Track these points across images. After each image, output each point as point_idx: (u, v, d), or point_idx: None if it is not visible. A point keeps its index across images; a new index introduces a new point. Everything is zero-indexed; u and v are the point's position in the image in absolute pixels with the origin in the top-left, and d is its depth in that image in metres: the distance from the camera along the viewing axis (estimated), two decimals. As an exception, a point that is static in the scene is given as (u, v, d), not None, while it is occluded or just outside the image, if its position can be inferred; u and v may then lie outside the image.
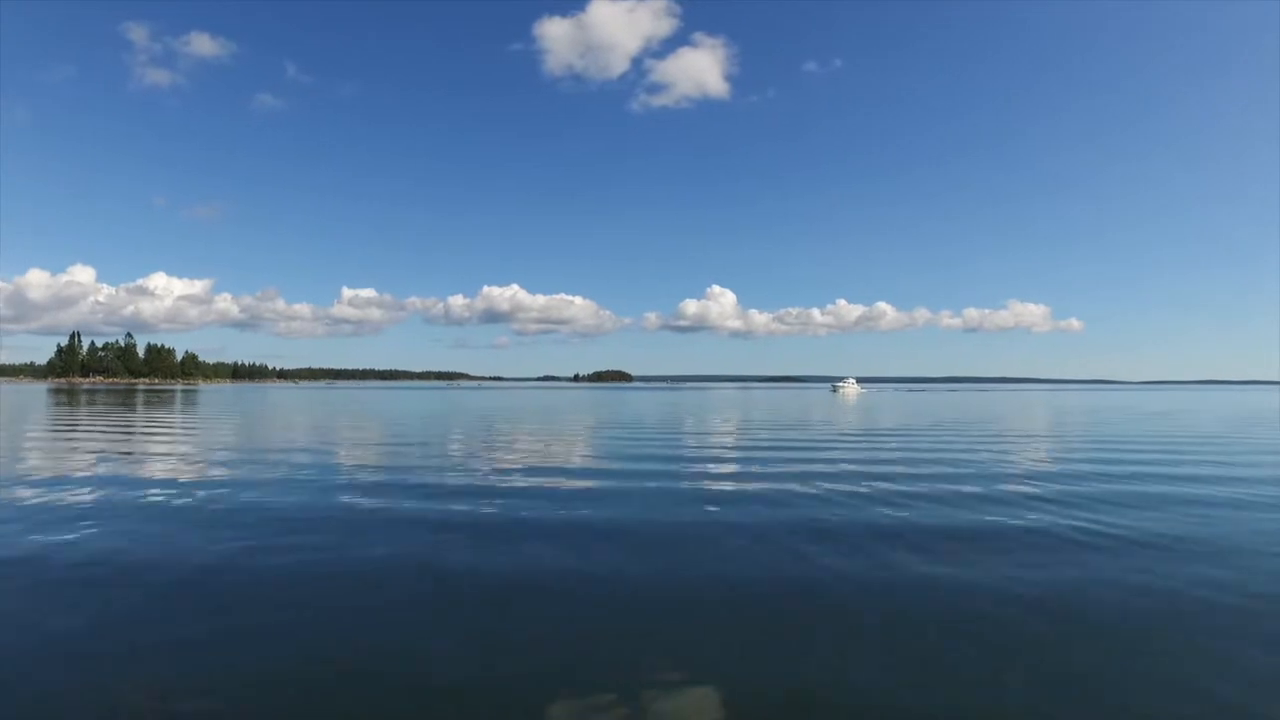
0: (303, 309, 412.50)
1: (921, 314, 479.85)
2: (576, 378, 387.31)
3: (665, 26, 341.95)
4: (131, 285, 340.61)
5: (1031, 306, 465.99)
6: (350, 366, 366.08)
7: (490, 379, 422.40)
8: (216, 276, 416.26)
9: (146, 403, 51.28)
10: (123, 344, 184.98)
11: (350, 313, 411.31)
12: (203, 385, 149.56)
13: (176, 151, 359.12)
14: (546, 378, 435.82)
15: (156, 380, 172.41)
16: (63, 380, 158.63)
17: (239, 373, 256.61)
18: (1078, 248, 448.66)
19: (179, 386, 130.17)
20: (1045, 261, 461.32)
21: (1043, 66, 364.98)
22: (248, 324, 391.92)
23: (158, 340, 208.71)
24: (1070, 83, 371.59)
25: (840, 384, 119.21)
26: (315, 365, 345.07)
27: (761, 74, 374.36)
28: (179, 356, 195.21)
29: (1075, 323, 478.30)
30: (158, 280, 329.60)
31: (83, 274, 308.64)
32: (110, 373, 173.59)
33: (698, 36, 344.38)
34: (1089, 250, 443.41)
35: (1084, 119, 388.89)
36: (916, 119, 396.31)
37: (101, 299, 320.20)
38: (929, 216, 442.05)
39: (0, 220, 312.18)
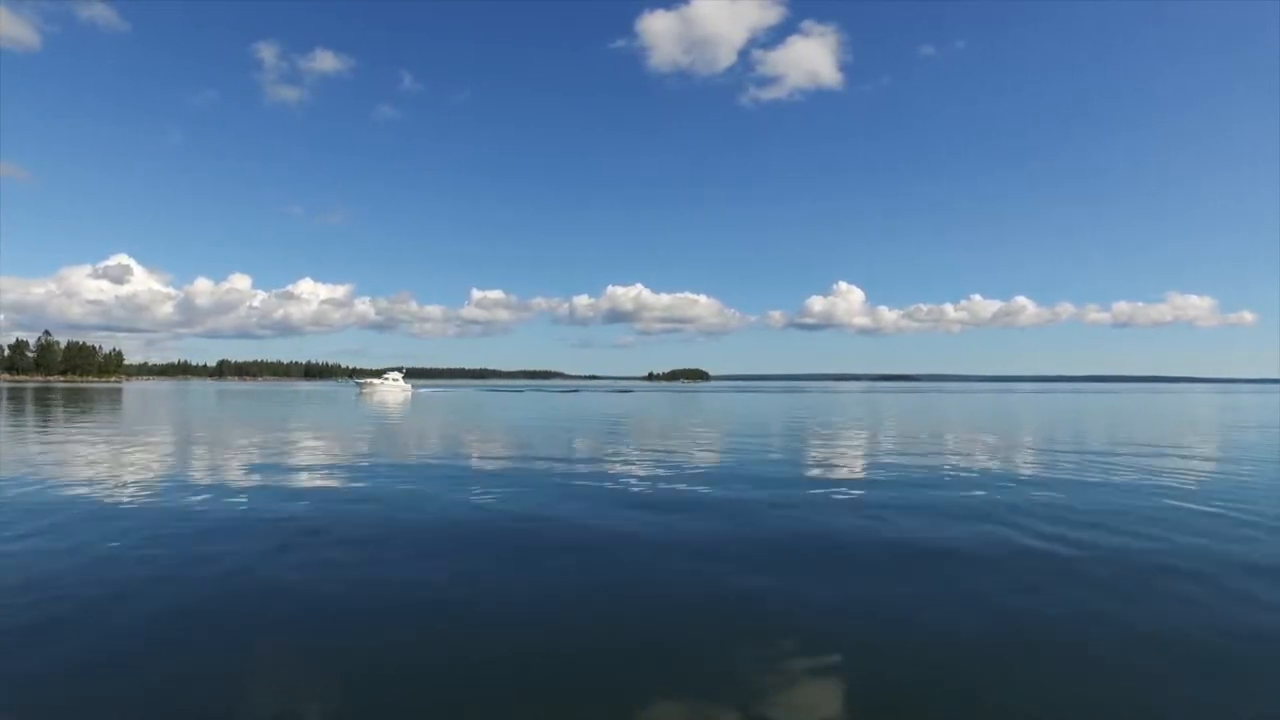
0: (434, 310, 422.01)
1: (1065, 308, 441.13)
2: (650, 376, 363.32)
3: (772, 15, 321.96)
4: (281, 291, 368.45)
5: (1194, 299, 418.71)
6: (454, 366, 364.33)
7: (586, 378, 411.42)
8: (356, 281, 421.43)
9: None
10: (42, 341, 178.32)
11: (479, 314, 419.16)
12: (125, 383, 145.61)
13: (308, 163, 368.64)
14: (650, 376, 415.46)
15: (72, 378, 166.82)
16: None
17: (310, 371, 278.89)
18: (1254, 232, 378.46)
19: (99, 384, 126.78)
20: (1211, 250, 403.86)
21: (1206, 41, 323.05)
22: (384, 325, 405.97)
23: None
24: (1235, 54, 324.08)
25: (369, 381, 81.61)
26: (445, 365, 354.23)
27: (875, 61, 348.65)
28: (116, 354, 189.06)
29: (1248, 315, 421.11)
30: (305, 286, 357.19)
31: (241, 281, 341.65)
32: (23, 370, 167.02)
33: (807, 24, 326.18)
34: (1267, 235, 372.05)
35: (1248, 95, 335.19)
36: (1051, 99, 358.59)
37: (256, 304, 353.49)
38: (1070, 203, 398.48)
39: (170, 234, 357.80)
